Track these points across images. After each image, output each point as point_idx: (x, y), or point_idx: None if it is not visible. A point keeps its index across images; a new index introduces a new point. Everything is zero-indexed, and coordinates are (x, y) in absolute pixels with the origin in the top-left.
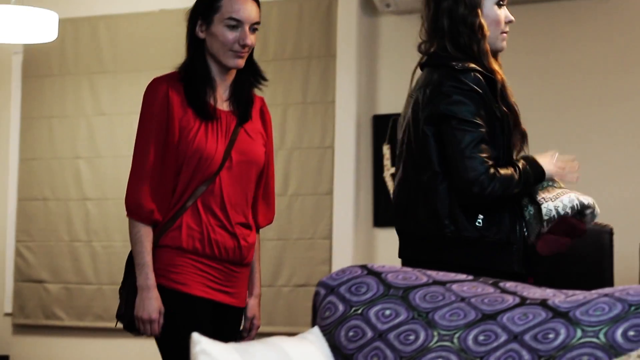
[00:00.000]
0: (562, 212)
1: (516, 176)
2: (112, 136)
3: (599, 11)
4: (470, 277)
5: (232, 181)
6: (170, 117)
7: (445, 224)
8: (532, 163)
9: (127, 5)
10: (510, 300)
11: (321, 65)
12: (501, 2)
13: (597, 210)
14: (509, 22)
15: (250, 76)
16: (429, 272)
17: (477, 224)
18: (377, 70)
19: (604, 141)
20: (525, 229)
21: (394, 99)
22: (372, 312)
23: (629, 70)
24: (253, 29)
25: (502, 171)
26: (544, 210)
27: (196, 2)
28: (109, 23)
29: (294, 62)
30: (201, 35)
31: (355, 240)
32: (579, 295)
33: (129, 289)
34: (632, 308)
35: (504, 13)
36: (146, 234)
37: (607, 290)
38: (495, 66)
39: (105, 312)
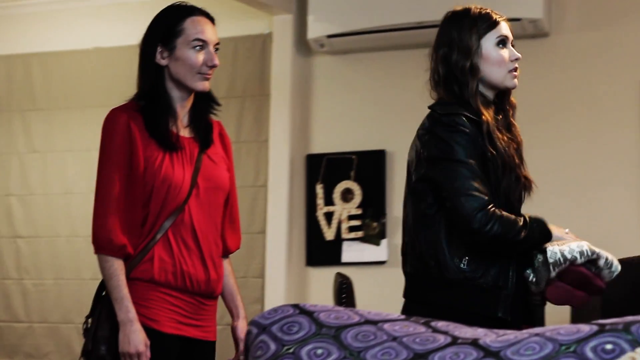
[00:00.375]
0: (568, 256)
1: (520, 222)
2: (44, 174)
3: (536, 50)
4: (402, 317)
5: (201, 209)
6: (134, 147)
7: (431, 265)
8: (540, 221)
9: (60, 43)
10: (442, 339)
11: (255, 104)
12: (502, 43)
13: (617, 265)
14: (515, 60)
15: (205, 101)
16: (361, 312)
17: (461, 265)
18: (311, 109)
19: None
20: (533, 277)
21: (327, 138)
22: (304, 352)
23: (566, 110)
24: (216, 49)
25: (504, 213)
26: (548, 253)
27: (152, 30)
28: (43, 60)
29: (228, 101)
30: (163, 62)
31: (288, 279)
32: (510, 335)
33: (99, 324)
34: (563, 347)
35: (508, 52)
36: (120, 267)
37: (538, 329)
38: (485, 110)
39: (36, 350)
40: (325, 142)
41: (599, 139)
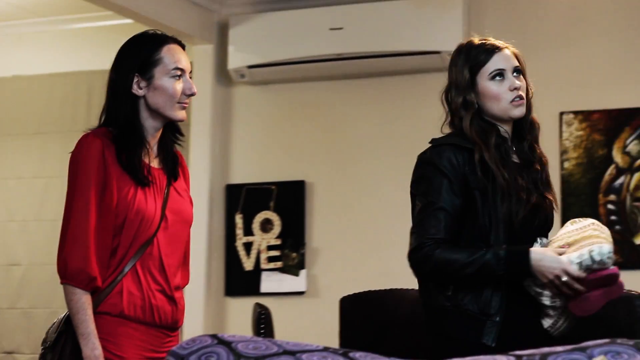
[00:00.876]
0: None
1: (463, 261)
2: None
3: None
4: (321, 347)
5: (168, 242)
6: (108, 176)
7: (421, 292)
8: (515, 253)
9: None
10: None
11: None
12: (498, 76)
13: (601, 251)
14: (515, 89)
15: (172, 132)
16: (280, 342)
17: (448, 293)
18: (231, 139)
19: None
20: (552, 319)
21: (247, 168)
22: None
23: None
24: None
25: (447, 253)
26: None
27: (126, 58)
28: None
29: None
30: (140, 92)
31: (207, 309)
32: None
33: (62, 355)
34: None
35: (506, 84)
36: (88, 301)
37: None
38: (482, 141)
39: None
40: (245, 172)
41: None
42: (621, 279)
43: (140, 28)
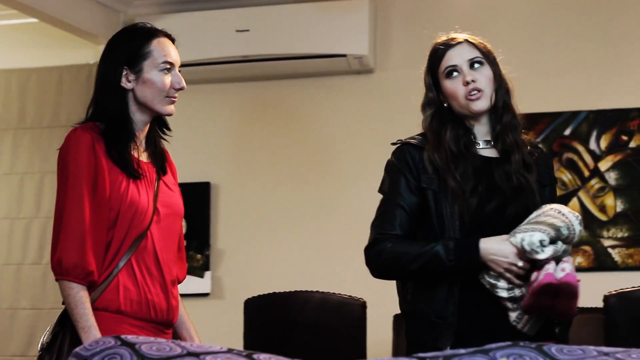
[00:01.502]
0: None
1: (413, 253)
2: None
3: (362, 86)
4: (225, 349)
5: (162, 236)
6: (100, 169)
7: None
8: (464, 244)
9: None
10: None
11: None
12: (452, 73)
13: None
14: (468, 84)
15: (159, 125)
16: (184, 344)
17: (408, 298)
18: None
19: (354, 216)
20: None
21: None
22: None
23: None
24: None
25: (398, 247)
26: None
27: (115, 52)
28: None
29: (52, 131)
30: (129, 85)
31: None
32: None
33: (60, 355)
34: None
35: (460, 79)
36: (86, 294)
37: None
38: (436, 142)
39: None
40: None
41: None
42: (571, 283)
43: (45, 27)
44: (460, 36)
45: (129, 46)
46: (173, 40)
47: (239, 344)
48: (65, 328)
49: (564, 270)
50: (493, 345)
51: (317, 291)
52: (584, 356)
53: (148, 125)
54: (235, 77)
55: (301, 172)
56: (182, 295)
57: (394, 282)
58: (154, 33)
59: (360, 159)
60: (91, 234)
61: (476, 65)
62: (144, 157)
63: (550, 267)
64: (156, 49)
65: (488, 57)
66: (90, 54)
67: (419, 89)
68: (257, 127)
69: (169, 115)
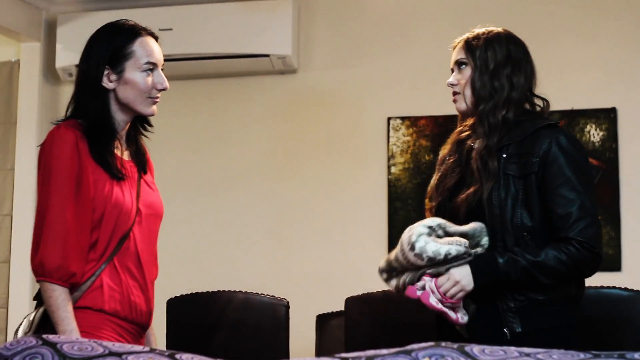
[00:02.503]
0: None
1: None
2: None
3: (285, 86)
4: (147, 349)
5: (143, 236)
6: (83, 169)
7: None
8: None
9: None
10: None
11: (1, 132)
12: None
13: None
14: (450, 85)
15: (140, 122)
16: (106, 343)
17: None
18: None
19: (277, 216)
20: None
21: None
22: None
23: (314, 146)
24: (162, 70)
25: None
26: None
27: (96, 50)
28: None
29: None
30: (110, 85)
31: (32, 309)
32: None
33: None
34: None
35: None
36: (68, 297)
37: None
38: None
39: None
40: None
41: (347, 174)
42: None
43: None
44: (461, 38)
45: (110, 45)
46: (156, 39)
47: (161, 343)
48: (46, 329)
49: (424, 287)
50: (415, 346)
51: (240, 291)
52: (505, 357)
53: (128, 124)
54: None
55: (227, 170)
56: None
57: (318, 283)
58: (137, 32)
59: (283, 160)
60: (74, 236)
61: (461, 67)
62: (125, 156)
63: (419, 283)
64: (139, 49)
65: (474, 56)
66: (12, 51)
67: (342, 89)
68: (179, 127)
69: (151, 115)
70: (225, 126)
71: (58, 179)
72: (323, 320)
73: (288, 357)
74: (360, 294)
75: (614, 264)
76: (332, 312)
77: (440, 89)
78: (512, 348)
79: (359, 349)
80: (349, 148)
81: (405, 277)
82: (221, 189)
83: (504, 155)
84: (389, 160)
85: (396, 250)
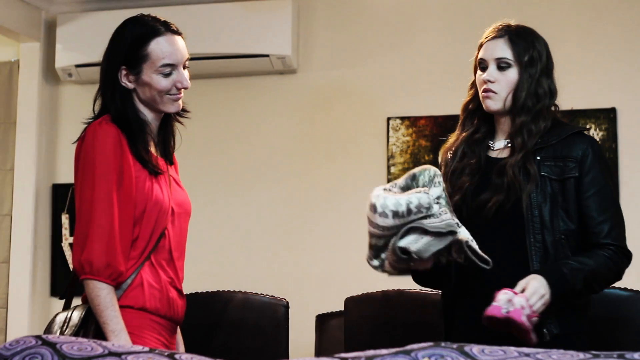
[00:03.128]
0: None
1: None
2: None
3: (285, 86)
4: (147, 349)
5: (175, 234)
6: (125, 165)
7: None
8: None
9: None
10: None
11: (0, 132)
12: (480, 67)
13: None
14: (485, 82)
15: (172, 116)
16: (105, 343)
17: None
18: (58, 138)
19: (277, 215)
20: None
21: (73, 168)
22: None
23: (314, 146)
24: (185, 66)
25: None
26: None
27: (115, 48)
28: None
29: None
30: (130, 85)
31: (32, 309)
32: None
33: None
34: None
35: (482, 76)
36: (115, 295)
37: None
38: (452, 137)
39: None
40: (72, 172)
41: (346, 174)
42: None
43: None
44: (495, 29)
45: (126, 45)
46: (180, 34)
47: None
48: (88, 328)
49: (512, 304)
50: (415, 346)
51: (239, 291)
52: (505, 357)
53: (160, 118)
54: None
55: (223, 171)
56: None
57: (316, 282)
58: (157, 31)
59: (282, 160)
60: (120, 233)
61: (502, 65)
62: (157, 154)
63: (501, 297)
64: (154, 51)
65: (521, 59)
66: (12, 51)
67: (342, 89)
68: (179, 127)
69: (176, 111)
70: (224, 126)
71: (103, 176)
72: (323, 320)
73: (288, 357)
74: (359, 294)
75: None
76: (332, 312)
77: (440, 89)
78: (512, 348)
79: (358, 349)
80: (349, 148)
81: (391, 244)
82: (219, 189)
83: (538, 158)
84: (388, 160)
85: (368, 227)
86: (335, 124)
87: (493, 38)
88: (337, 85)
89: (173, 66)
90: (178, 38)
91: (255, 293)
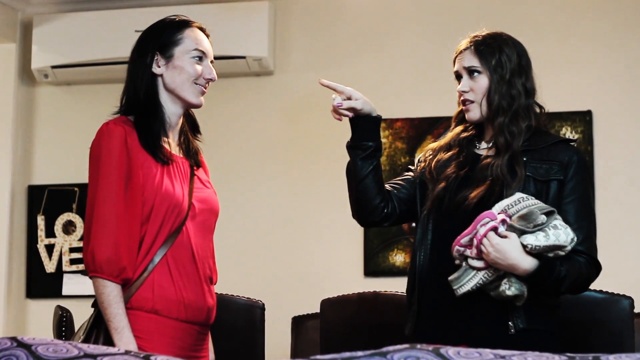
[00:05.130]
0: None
1: None
2: None
3: (261, 88)
4: (122, 351)
5: (198, 231)
6: (133, 162)
7: None
8: None
9: None
10: None
11: None
12: (457, 79)
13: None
14: (461, 92)
15: (190, 124)
16: (80, 345)
17: None
18: (33, 140)
19: (253, 218)
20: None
21: (49, 169)
22: None
23: (290, 148)
24: (211, 61)
25: None
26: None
27: (148, 38)
28: None
29: None
30: (158, 70)
31: (7, 311)
32: None
33: None
34: None
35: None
36: (120, 293)
37: None
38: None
39: None
40: (48, 174)
41: (322, 176)
42: None
43: None
44: (466, 42)
45: (161, 34)
46: (207, 35)
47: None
48: (100, 329)
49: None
50: (390, 348)
51: (215, 293)
52: (480, 359)
53: (180, 122)
54: None
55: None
56: (80, 297)
57: (292, 284)
58: (188, 23)
59: (259, 161)
60: (124, 229)
61: (473, 74)
62: (176, 152)
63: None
64: (188, 37)
65: (488, 64)
66: None
67: (318, 90)
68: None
69: (198, 106)
70: (201, 127)
71: (107, 174)
72: (298, 322)
73: (264, 359)
74: (335, 295)
75: None
76: (308, 314)
77: (416, 91)
78: (488, 350)
79: (334, 351)
80: (325, 150)
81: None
82: None
83: (525, 159)
84: None
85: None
86: (312, 126)
87: (461, 52)
88: (313, 87)
89: (204, 55)
90: (206, 37)
91: (232, 295)
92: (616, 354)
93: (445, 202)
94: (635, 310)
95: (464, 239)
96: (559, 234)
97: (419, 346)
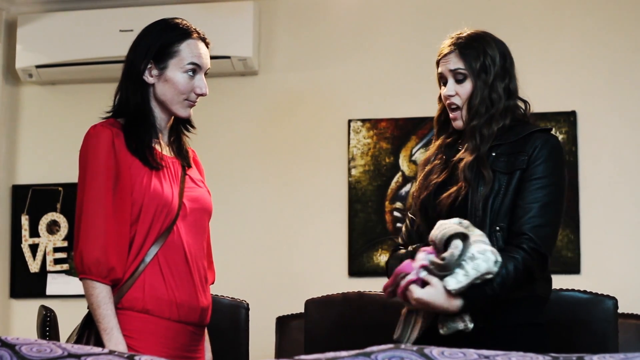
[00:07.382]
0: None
1: None
2: None
3: (246, 88)
4: (106, 351)
5: (190, 231)
6: (120, 165)
7: None
8: None
9: None
10: None
11: None
12: (441, 82)
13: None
14: (447, 96)
15: (183, 122)
16: (64, 345)
17: None
18: (18, 139)
19: (238, 217)
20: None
21: (34, 169)
22: None
23: (275, 148)
24: (205, 74)
25: None
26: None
27: (144, 44)
28: None
29: None
30: (150, 79)
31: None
32: None
33: None
34: None
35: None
36: (109, 294)
37: None
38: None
39: None
40: (32, 173)
41: (307, 176)
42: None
43: None
44: (449, 43)
45: (158, 40)
46: (207, 45)
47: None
48: (91, 330)
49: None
50: (375, 348)
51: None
52: (464, 359)
53: (171, 122)
54: (119, 77)
55: None
56: (64, 296)
57: (277, 284)
58: (188, 33)
59: (243, 161)
60: (112, 230)
61: (459, 78)
62: (166, 152)
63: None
64: (185, 50)
65: (473, 68)
66: None
67: (303, 91)
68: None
69: (185, 118)
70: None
71: (94, 177)
72: (283, 322)
73: (248, 359)
74: (320, 296)
75: (573, 267)
76: (292, 314)
77: (401, 91)
78: (472, 350)
79: (318, 351)
80: (310, 150)
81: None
82: None
83: (493, 154)
84: (349, 162)
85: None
86: (297, 125)
87: (445, 55)
88: (298, 87)
89: (197, 68)
90: (205, 47)
91: (216, 295)
92: (600, 354)
93: (429, 209)
94: (619, 311)
95: (388, 289)
96: (478, 264)
97: (403, 346)
